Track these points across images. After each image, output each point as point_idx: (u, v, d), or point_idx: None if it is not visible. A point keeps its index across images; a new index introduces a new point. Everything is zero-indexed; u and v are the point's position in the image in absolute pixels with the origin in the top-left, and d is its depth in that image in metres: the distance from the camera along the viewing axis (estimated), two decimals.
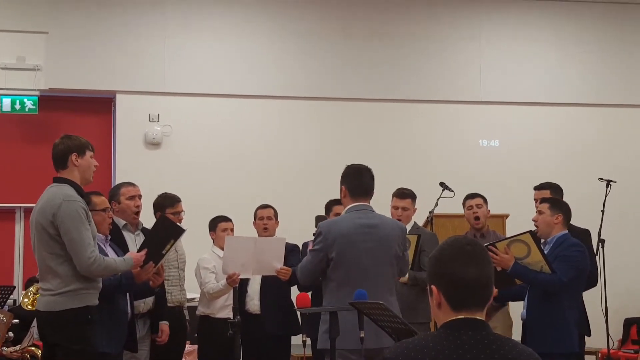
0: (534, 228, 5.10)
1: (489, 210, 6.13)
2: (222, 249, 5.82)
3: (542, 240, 5.04)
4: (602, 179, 7.47)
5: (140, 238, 5.26)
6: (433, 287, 2.17)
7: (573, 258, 4.84)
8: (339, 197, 5.97)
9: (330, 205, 6.04)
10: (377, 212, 4.46)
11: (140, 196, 5.36)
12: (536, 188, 5.97)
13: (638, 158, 9.62)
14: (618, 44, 9.77)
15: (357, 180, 4.43)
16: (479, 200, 6.03)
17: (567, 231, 5.02)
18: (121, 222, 5.24)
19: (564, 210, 5.03)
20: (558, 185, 5.93)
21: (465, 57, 9.48)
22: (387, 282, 4.33)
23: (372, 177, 4.46)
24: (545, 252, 4.91)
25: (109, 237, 4.89)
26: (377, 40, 9.28)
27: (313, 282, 4.59)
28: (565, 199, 5.61)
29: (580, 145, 9.54)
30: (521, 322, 5.21)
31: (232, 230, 6.14)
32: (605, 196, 7.35)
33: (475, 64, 9.47)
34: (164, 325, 5.41)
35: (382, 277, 4.29)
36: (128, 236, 5.24)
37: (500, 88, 9.49)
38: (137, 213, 5.31)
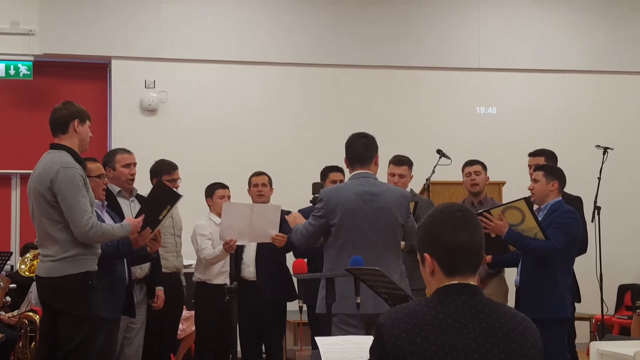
0: (528, 195, 5.11)
1: (488, 178, 6.11)
2: (219, 215, 5.84)
3: (536, 207, 5.05)
4: (599, 146, 7.47)
5: (135, 204, 5.26)
6: (426, 255, 2.18)
7: (566, 225, 4.87)
8: (334, 165, 6.00)
9: (326, 172, 6.04)
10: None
11: (135, 164, 5.35)
12: (531, 154, 5.98)
13: (634, 125, 9.61)
14: (616, 10, 9.70)
15: (351, 149, 4.43)
16: (477, 168, 6.02)
17: (561, 198, 5.05)
18: (115, 188, 5.23)
19: (559, 177, 5.05)
20: (552, 152, 5.94)
21: (463, 24, 9.41)
22: (389, 249, 4.34)
23: (366, 145, 4.41)
24: (539, 218, 4.93)
25: (106, 203, 4.89)
26: (374, 6, 9.21)
27: (310, 246, 4.59)
28: (562, 166, 5.62)
29: (578, 112, 9.52)
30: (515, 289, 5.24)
31: (228, 197, 6.14)
32: (602, 163, 7.36)
33: (473, 30, 9.41)
34: (159, 290, 5.44)
35: (383, 245, 4.30)
36: (123, 202, 5.24)
37: (498, 55, 9.44)
38: (131, 180, 5.31)
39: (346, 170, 4.87)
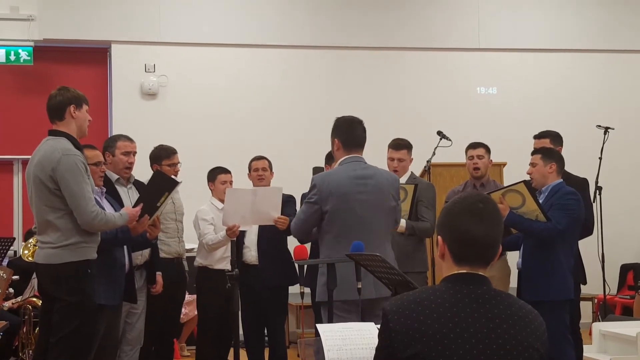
0: (528, 178, 5.10)
1: (491, 161, 6.03)
2: (221, 200, 5.84)
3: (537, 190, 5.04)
4: (599, 125, 7.46)
5: (133, 191, 5.25)
6: (439, 237, 2.18)
7: (568, 206, 4.87)
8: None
9: (332, 155, 5.96)
10: (372, 164, 4.45)
11: (135, 153, 5.33)
12: (536, 137, 5.91)
13: (635, 104, 9.58)
14: None
15: (350, 132, 4.40)
16: (480, 151, 5.93)
17: (561, 180, 5.04)
18: (114, 176, 5.22)
19: (557, 159, 5.05)
20: (557, 134, 5.88)
21: (463, 3, 9.37)
22: (384, 232, 4.34)
23: (364, 129, 4.44)
24: (540, 201, 4.92)
25: (104, 190, 4.87)
26: None
27: (306, 236, 4.58)
28: (563, 146, 5.61)
29: (578, 91, 9.49)
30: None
31: (230, 182, 6.13)
32: (603, 143, 7.34)
33: (473, 10, 9.36)
34: (159, 275, 5.46)
35: (379, 228, 4.29)
36: (121, 190, 5.22)
37: (498, 34, 9.40)
38: (128, 169, 5.29)
39: None
